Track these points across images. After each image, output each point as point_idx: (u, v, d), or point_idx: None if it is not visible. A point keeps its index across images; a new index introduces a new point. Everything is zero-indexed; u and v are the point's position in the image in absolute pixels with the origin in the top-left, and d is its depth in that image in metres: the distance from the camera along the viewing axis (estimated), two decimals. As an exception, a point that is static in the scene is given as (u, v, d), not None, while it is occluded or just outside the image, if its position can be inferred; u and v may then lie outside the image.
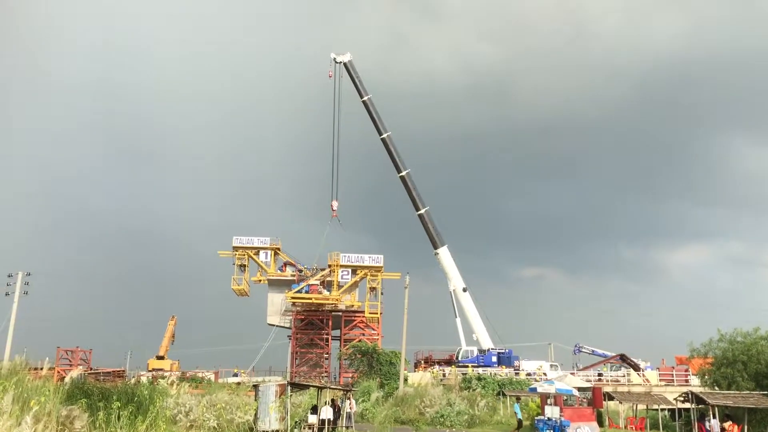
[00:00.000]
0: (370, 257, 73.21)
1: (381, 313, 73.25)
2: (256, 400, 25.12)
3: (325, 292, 72.34)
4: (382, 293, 73.10)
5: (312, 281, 72.68)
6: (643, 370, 57.12)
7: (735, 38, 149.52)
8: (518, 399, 37.90)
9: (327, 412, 28.34)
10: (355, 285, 74.19)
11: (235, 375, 67.71)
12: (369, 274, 72.74)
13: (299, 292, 72.01)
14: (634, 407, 37.84)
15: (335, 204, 70.83)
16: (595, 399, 29.29)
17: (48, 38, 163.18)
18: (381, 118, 67.67)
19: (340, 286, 72.47)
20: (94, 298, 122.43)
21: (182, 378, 54.14)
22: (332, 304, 72.85)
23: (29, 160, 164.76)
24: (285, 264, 76.18)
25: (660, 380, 54.37)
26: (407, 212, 67.64)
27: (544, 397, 28.84)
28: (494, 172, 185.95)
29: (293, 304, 73.33)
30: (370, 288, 72.78)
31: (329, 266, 73.10)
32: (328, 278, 73.09)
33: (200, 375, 63.48)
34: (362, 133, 75.49)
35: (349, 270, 72.77)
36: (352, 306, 74.24)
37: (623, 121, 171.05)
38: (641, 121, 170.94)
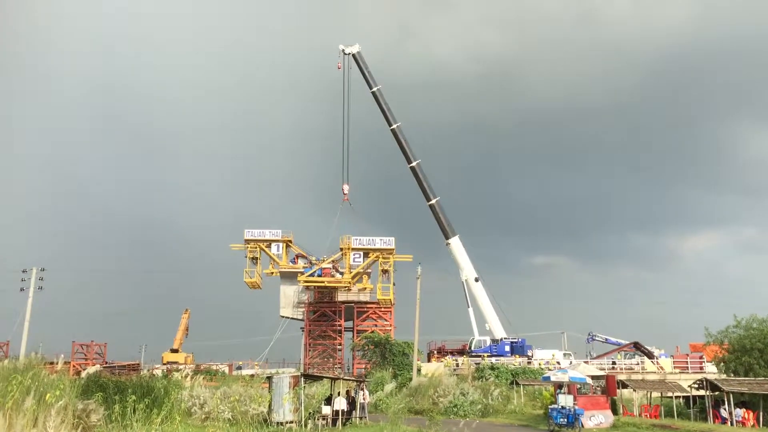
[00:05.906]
0: (381, 239, 72.66)
1: (393, 304, 73.15)
2: (270, 391, 25.27)
3: (338, 276, 72.34)
4: (394, 284, 72.98)
5: (324, 264, 72.67)
6: (657, 358, 56.93)
7: (745, 24, 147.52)
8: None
9: (341, 403, 28.44)
10: (367, 272, 74.08)
11: (239, 368, 68.04)
12: (381, 256, 72.28)
13: (312, 276, 72.11)
14: (649, 395, 37.68)
15: (346, 188, 70.79)
16: (609, 387, 29.16)
17: (51, 37, 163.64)
18: (390, 109, 67.50)
19: (352, 269, 72.42)
20: (107, 292, 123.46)
21: (196, 371, 54.51)
22: (345, 287, 72.73)
23: (39, 155, 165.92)
24: (297, 256, 76.22)
25: (674, 368, 54.20)
26: (418, 203, 67.55)
27: (558, 386, 28.75)
28: (504, 161, 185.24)
29: (306, 288, 73.30)
30: (382, 270, 72.28)
31: (341, 249, 72.80)
32: (340, 264, 72.97)
33: (214, 367, 63.91)
34: (372, 125, 75.43)
35: (361, 253, 72.50)
36: (365, 289, 74.18)
37: (634, 107, 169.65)
38: (652, 108, 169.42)
